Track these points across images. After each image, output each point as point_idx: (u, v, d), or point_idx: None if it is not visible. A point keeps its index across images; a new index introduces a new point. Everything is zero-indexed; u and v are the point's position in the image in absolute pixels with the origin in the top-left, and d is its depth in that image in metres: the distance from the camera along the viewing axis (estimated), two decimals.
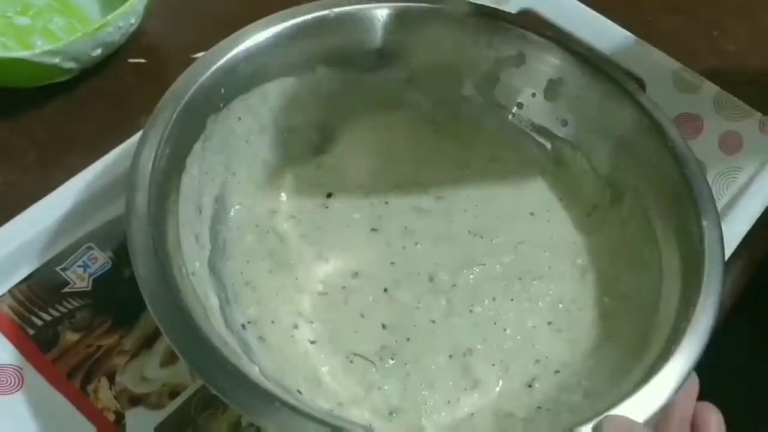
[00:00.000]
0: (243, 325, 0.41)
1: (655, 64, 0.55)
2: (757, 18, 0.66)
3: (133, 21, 0.54)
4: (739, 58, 0.63)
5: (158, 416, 0.41)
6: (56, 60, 0.50)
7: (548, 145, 0.51)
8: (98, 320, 0.44)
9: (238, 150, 0.46)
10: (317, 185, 0.49)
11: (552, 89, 0.49)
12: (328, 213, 0.48)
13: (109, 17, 0.51)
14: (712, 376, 0.38)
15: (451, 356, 0.42)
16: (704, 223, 0.40)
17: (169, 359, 0.43)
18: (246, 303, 0.43)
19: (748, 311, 0.50)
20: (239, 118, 0.45)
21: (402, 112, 0.52)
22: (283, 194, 0.48)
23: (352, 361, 0.41)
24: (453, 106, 0.52)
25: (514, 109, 0.51)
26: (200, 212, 0.43)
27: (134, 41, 0.57)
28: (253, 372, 0.36)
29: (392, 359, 0.42)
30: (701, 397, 0.37)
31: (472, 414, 0.40)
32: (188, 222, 0.41)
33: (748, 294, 0.51)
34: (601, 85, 0.47)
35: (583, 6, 0.59)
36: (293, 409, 0.32)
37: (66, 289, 0.44)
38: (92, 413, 0.41)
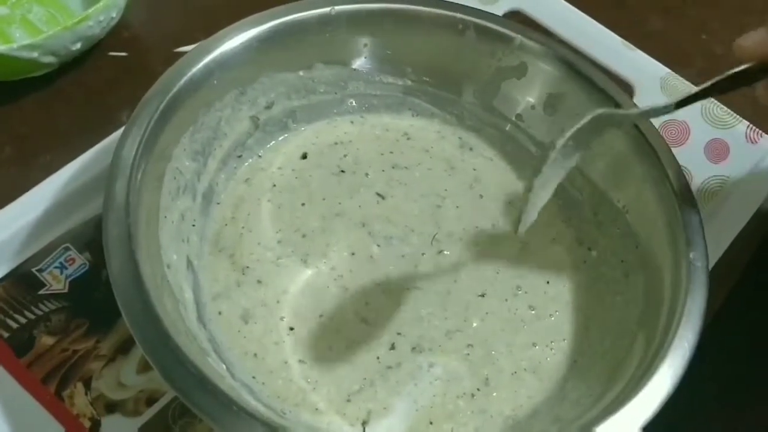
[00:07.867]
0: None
1: (644, 69, 0.55)
2: (744, 21, 0.65)
3: (114, 15, 0.53)
4: (727, 62, 0.62)
5: (135, 423, 0.41)
6: (35, 54, 0.49)
7: None
8: (74, 324, 0.43)
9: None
10: None
11: (551, 104, 0.48)
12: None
13: (90, 11, 0.50)
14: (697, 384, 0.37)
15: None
16: (691, 255, 0.39)
17: (146, 365, 0.42)
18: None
19: (731, 319, 0.50)
20: (231, 109, 0.45)
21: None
22: None
23: None
24: (453, 112, 0.52)
25: (513, 119, 0.50)
26: (194, 200, 0.43)
27: (115, 34, 0.56)
28: (219, 371, 0.36)
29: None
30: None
31: None
32: (169, 213, 0.40)
33: (732, 302, 0.51)
34: (600, 104, 0.45)
35: (571, 7, 0.58)
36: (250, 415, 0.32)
37: (42, 291, 0.44)
38: (68, 420, 0.40)
